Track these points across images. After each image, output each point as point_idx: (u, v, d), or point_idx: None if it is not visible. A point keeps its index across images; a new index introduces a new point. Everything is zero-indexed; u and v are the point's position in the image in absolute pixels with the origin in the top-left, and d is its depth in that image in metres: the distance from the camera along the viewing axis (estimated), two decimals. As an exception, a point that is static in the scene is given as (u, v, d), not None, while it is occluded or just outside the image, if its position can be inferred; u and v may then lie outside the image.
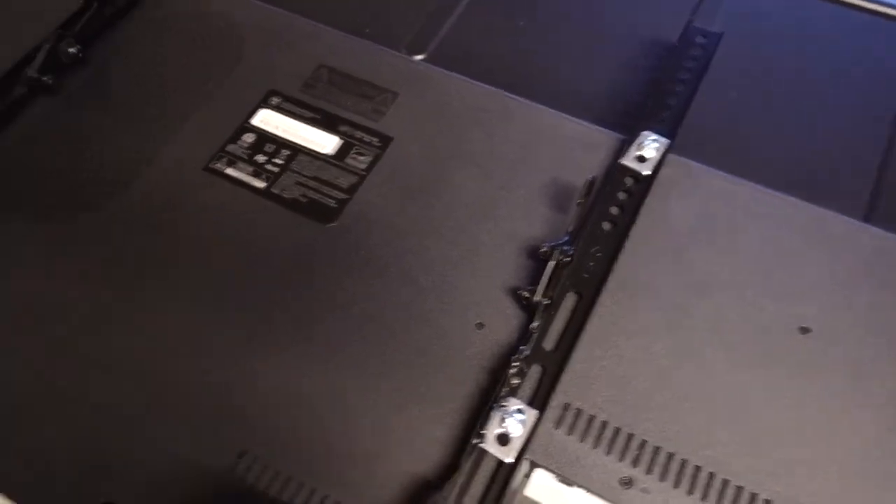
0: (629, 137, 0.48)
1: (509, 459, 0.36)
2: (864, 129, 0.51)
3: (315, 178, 0.47)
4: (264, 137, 0.49)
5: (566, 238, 0.42)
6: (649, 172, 0.45)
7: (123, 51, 0.55)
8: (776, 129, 0.51)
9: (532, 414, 0.37)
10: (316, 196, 0.47)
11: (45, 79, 0.50)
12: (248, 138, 0.50)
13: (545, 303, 0.40)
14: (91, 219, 0.47)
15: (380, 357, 0.41)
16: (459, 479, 0.36)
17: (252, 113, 0.51)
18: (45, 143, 0.50)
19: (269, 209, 0.46)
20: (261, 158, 0.48)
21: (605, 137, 0.49)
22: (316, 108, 0.51)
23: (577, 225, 0.42)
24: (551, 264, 0.41)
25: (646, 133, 0.47)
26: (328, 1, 0.59)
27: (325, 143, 0.49)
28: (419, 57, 0.55)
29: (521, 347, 0.40)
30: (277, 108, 0.51)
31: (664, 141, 0.47)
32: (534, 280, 0.42)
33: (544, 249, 0.42)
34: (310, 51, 0.54)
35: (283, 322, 0.42)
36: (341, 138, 0.49)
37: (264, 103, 0.51)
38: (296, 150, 0.49)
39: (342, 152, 0.49)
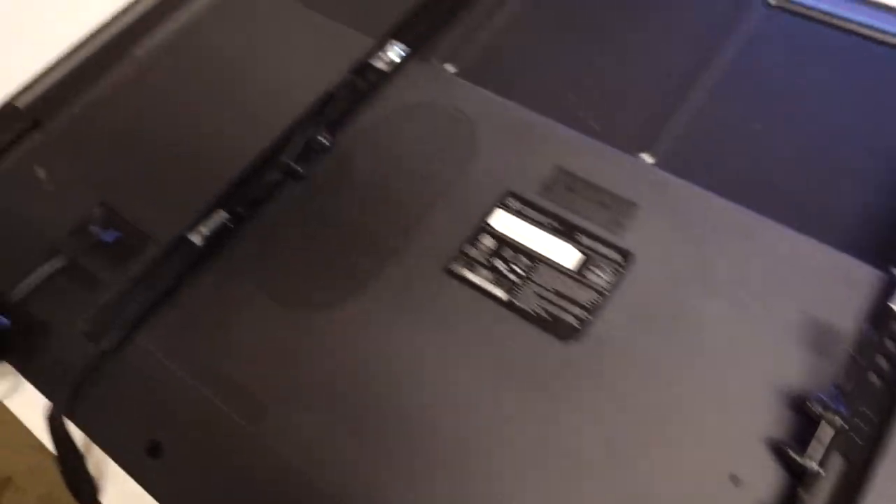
0: (892, 274, 0.45)
1: None
2: None
3: (556, 293, 0.47)
4: (504, 242, 0.50)
5: (835, 392, 0.40)
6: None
7: (362, 139, 0.56)
8: None
9: None
10: (557, 312, 0.46)
11: (296, 166, 0.53)
12: (488, 241, 0.50)
13: (816, 469, 0.38)
14: (326, 316, 0.48)
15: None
16: None
17: (489, 213, 0.51)
18: (289, 227, 0.53)
19: (509, 320, 0.47)
20: (501, 265, 0.49)
21: (864, 272, 0.46)
22: (554, 214, 0.51)
23: (852, 383, 0.40)
24: (826, 427, 0.39)
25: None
26: (554, 92, 0.59)
27: (565, 254, 0.49)
28: (650, 159, 0.54)
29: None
30: (516, 212, 0.51)
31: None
32: (796, 435, 0.40)
33: (814, 406, 0.40)
34: (546, 150, 0.54)
35: (521, 438, 0.42)
36: (581, 251, 0.49)
37: (502, 204, 0.52)
38: (536, 259, 0.49)
39: (582, 266, 0.48)
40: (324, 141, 0.53)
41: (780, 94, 0.57)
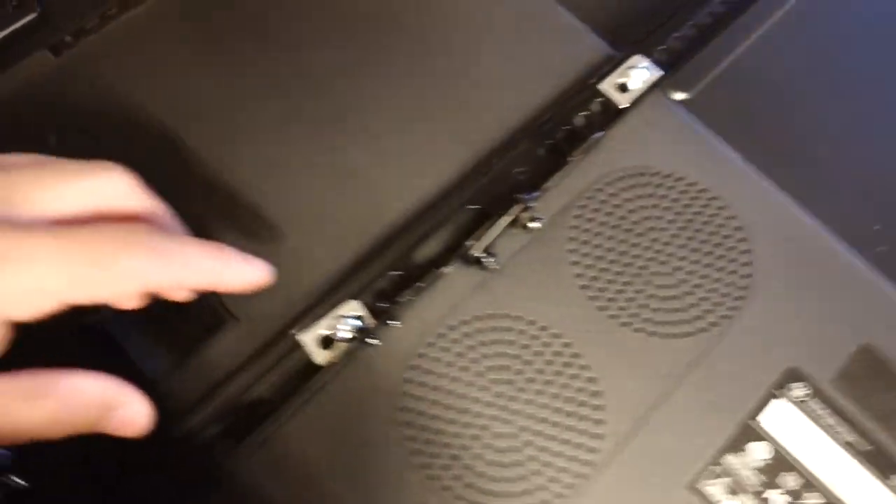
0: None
1: None
2: None
3: (855, 567, 0.31)
4: (779, 458, 0.33)
5: None
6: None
7: (564, 216, 0.37)
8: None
9: None
10: None
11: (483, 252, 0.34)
12: (758, 452, 0.33)
13: None
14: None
15: None
16: None
17: (760, 403, 0.34)
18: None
19: None
20: (777, 499, 0.32)
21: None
22: (858, 425, 0.34)
23: None
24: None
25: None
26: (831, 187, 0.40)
27: (874, 501, 0.32)
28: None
29: None
30: (802, 409, 0.34)
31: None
32: None
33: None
34: (852, 311, 0.36)
35: None
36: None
37: (780, 389, 0.34)
38: (830, 499, 0.32)
39: (897, 529, 0.32)
40: (535, 225, 0.34)
41: None
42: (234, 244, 0.27)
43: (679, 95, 0.41)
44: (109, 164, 0.25)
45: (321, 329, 0.33)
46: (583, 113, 0.37)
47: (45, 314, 0.22)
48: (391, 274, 0.34)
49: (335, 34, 0.41)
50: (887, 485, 0.33)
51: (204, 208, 0.36)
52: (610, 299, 0.35)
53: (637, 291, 0.35)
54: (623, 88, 0.38)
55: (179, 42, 0.40)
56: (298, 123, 0.38)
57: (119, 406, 0.25)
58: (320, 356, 0.32)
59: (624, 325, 0.35)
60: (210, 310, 0.34)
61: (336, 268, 0.35)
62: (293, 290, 0.34)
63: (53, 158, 0.25)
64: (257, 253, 0.28)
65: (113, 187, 0.25)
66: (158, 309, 0.30)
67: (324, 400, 0.32)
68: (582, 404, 0.33)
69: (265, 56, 0.40)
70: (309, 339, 0.32)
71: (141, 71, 0.39)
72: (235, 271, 0.26)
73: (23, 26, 0.40)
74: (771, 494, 0.32)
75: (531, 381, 0.33)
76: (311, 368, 0.32)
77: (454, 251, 0.34)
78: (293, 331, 0.32)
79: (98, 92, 0.38)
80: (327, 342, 0.33)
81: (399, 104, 0.39)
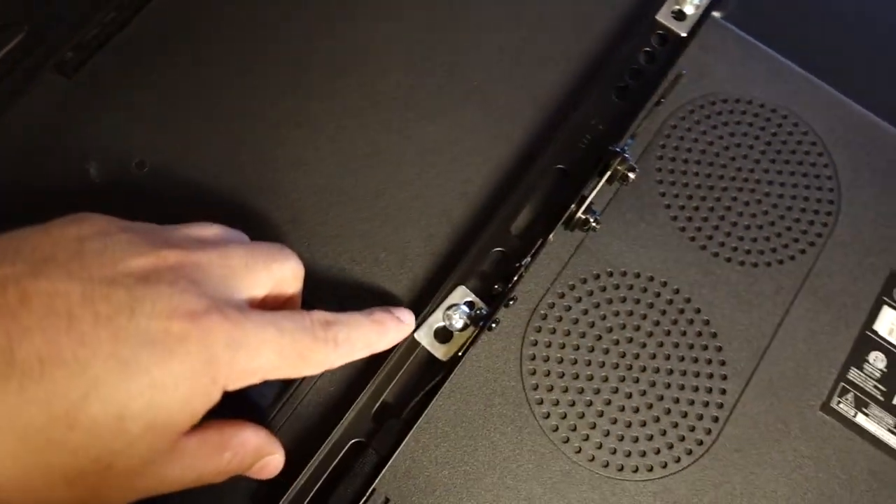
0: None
1: None
2: None
3: None
4: (901, 363, 0.34)
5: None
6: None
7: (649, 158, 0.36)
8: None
9: None
10: None
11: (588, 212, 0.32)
12: (878, 361, 0.34)
13: None
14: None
15: None
16: None
17: (873, 311, 0.34)
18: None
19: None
20: (904, 403, 0.33)
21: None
22: (963, 317, 0.34)
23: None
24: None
25: None
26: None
27: None
28: None
29: None
30: (910, 310, 0.34)
31: None
32: None
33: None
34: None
35: None
36: None
37: (888, 297, 0.35)
38: (951, 394, 0.33)
39: None
40: (629, 162, 0.32)
41: None
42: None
43: (725, 12, 0.39)
44: (288, 251, 0.27)
45: (436, 322, 0.31)
46: (645, 48, 0.36)
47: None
48: (492, 252, 0.32)
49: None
50: None
51: (275, 213, 0.33)
52: (709, 237, 0.35)
53: (733, 224, 0.35)
54: (679, 16, 0.37)
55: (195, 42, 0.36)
56: (364, 107, 0.35)
57: (268, 454, 0.26)
58: (440, 351, 0.31)
59: (728, 260, 0.34)
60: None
61: (433, 255, 0.33)
62: (397, 286, 0.33)
63: (240, 236, 0.27)
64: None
65: (291, 273, 0.27)
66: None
67: (449, 393, 0.31)
68: (704, 348, 0.33)
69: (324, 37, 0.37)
70: (425, 335, 0.31)
71: (161, 81, 0.35)
72: (395, 335, 0.29)
73: (15, 46, 0.36)
74: (898, 400, 0.33)
75: (650, 334, 0.33)
76: (435, 363, 0.31)
77: (548, 216, 0.33)
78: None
79: (121, 111, 0.35)
80: (445, 335, 0.31)
81: (455, 71, 0.36)
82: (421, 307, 0.31)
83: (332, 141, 0.35)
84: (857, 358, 0.33)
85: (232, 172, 0.34)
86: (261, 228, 0.33)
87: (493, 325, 0.31)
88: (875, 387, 0.33)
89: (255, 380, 0.24)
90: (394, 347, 0.30)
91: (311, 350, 0.25)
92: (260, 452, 0.26)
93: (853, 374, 0.33)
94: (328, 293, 0.32)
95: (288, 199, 0.34)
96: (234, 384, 0.23)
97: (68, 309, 0.21)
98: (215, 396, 0.23)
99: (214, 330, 0.22)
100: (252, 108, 0.35)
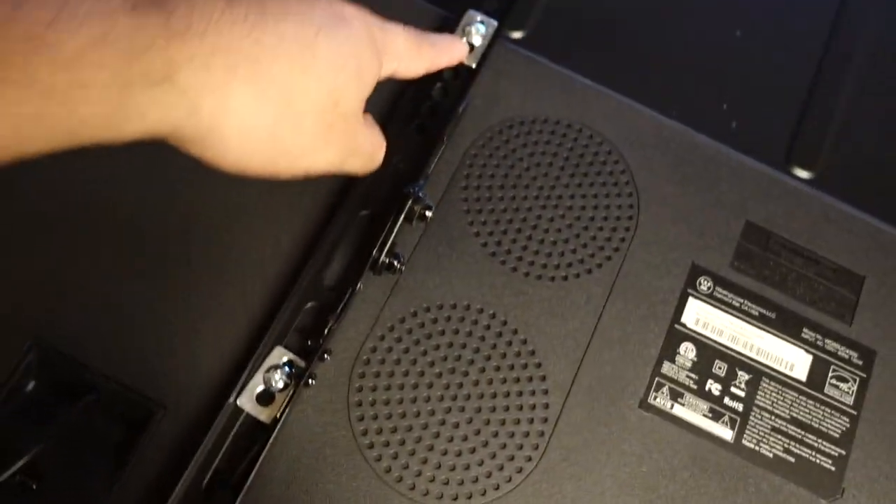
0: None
1: None
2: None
3: (793, 421, 0.35)
4: (707, 350, 0.36)
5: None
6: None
7: (455, 194, 0.37)
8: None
9: None
10: (801, 451, 0.34)
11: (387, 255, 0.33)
12: (688, 351, 0.36)
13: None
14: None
15: None
16: None
17: (679, 305, 0.36)
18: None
19: (741, 472, 0.34)
20: (714, 387, 0.35)
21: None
22: (760, 297, 0.37)
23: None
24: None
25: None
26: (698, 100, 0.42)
27: (790, 359, 0.36)
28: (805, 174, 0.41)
29: None
30: (711, 299, 0.36)
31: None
32: None
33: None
34: (730, 196, 0.38)
35: None
36: (809, 352, 0.36)
37: (692, 289, 0.37)
38: (755, 371, 0.36)
39: (816, 376, 0.36)
40: (424, 201, 0.33)
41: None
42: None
43: (517, 34, 0.41)
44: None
45: (256, 386, 0.32)
46: (439, 82, 0.37)
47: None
48: (308, 307, 0.33)
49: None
50: (801, 339, 0.36)
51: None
52: (518, 258, 0.36)
53: (540, 242, 0.36)
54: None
55: None
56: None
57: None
58: (263, 414, 0.31)
59: (538, 278, 0.36)
60: (133, 404, 0.32)
61: (248, 317, 0.34)
62: (212, 354, 0.33)
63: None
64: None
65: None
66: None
67: (279, 452, 0.32)
68: (524, 367, 0.34)
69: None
70: (247, 400, 0.31)
71: None
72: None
73: None
74: (709, 385, 0.35)
75: (472, 362, 0.34)
76: (259, 427, 0.32)
77: (357, 263, 0.34)
78: (230, 399, 0.31)
79: None
80: (267, 398, 0.32)
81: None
82: (240, 372, 0.32)
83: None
84: (669, 351, 0.35)
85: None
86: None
87: (311, 381, 0.32)
88: (688, 376, 0.35)
89: (395, 66, 0.31)
90: (216, 415, 0.31)
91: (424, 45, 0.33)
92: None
93: (666, 367, 0.35)
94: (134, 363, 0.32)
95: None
96: (385, 67, 0.31)
97: None
98: (377, 70, 0.30)
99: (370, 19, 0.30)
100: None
